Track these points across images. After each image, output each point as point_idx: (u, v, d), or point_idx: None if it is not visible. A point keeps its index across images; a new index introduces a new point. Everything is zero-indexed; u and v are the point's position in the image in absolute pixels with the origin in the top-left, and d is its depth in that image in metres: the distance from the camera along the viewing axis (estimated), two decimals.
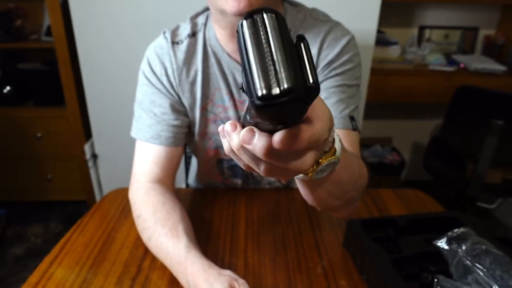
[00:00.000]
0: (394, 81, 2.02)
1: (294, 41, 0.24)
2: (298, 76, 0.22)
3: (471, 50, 2.35)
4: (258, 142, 0.29)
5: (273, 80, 0.22)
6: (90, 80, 1.62)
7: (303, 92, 0.23)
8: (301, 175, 0.45)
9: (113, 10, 1.49)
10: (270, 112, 0.23)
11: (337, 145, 0.44)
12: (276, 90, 0.22)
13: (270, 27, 0.23)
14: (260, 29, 0.23)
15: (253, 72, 0.22)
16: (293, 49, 0.23)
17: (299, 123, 0.29)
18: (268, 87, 0.22)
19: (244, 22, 0.23)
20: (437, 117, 2.41)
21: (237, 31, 0.24)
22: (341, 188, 0.54)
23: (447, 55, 2.25)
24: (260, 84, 0.22)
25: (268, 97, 0.22)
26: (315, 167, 0.43)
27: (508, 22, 2.24)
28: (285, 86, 0.22)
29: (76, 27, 1.52)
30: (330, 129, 0.33)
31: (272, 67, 0.22)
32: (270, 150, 0.29)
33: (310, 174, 0.44)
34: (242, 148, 0.32)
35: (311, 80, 0.23)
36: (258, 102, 0.22)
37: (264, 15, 0.23)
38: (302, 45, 0.24)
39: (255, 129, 0.29)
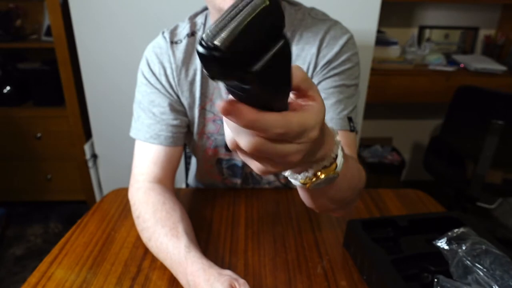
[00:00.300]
0: (394, 81, 2.02)
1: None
2: (233, 45, 0.24)
3: (471, 50, 2.35)
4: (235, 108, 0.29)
5: (214, 33, 0.24)
6: (90, 80, 1.62)
7: (229, 55, 0.25)
8: (299, 182, 0.45)
9: (113, 10, 1.48)
10: (202, 60, 0.25)
11: (339, 161, 0.44)
12: (209, 39, 0.24)
13: (252, 4, 0.25)
14: (242, 3, 0.25)
15: (216, 21, 0.25)
16: (254, 31, 0.25)
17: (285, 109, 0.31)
18: (210, 35, 0.25)
19: None
20: (437, 117, 2.41)
21: None
22: (341, 194, 0.54)
23: (447, 55, 2.24)
24: (208, 30, 0.25)
25: (202, 43, 0.25)
26: (313, 179, 0.43)
27: (508, 22, 2.24)
28: (216, 42, 0.24)
29: (76, 27, 1.52)
30: (312, 128, 0.33)
31: (221, 27, 0.25)
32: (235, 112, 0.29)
33: (308, 185, 0.44)
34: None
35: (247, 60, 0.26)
36: (198, 47, 0.25)
37: None
38: (280, 44, 0.27)
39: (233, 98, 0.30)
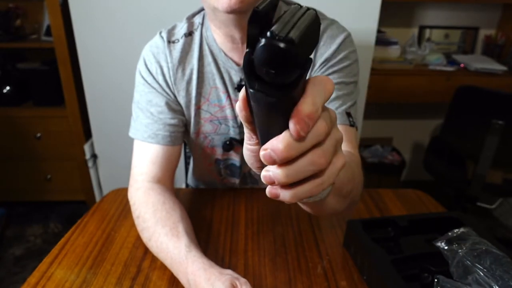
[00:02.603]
0: (394, 81, 2.02)
1: None
2: (304, 45, 0.26)
3: (472, 50, 2.35)
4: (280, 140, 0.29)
5: (286, 29, 0.26)
6: (89, 80, 1.62)
7: (299, 54, 0.26)
8: (318, 196, 0.44)
9: (113, 10, 1.48)
10: (268, 53, 0.26)
11: None
12: (283, 34, 0.25)
13: (308, 15, 0.28)
14: (303, 11, 0.28)
15: (276, 21, 0.27)
16: (311, 40, 0.28)
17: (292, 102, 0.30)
18: (279, 30, 0.26)
19: (294, 5, 0.29)
20: (437, 117, 2.41)
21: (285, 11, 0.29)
22: (343, 189, 0.54)
23: (447, 55, 2.24)
24: (275, 27, 0.26)
25: (275, 36, 0.25)
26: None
27: (508, 22, 2.23)
28: (291, 36, 0.25)
29: (75, 27, 1.52)
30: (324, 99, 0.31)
31: (291, 26, 0.26)
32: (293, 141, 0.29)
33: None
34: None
35: (309, 56, 0.28)
36: (264, 40, 0.26)
37: (311, 9, 0.29)
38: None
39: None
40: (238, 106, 0.30)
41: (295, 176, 0.31)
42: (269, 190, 0.33)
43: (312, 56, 0.79)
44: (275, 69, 0.26)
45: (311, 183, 0.32)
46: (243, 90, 0.30)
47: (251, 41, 0.27)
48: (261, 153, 0.30)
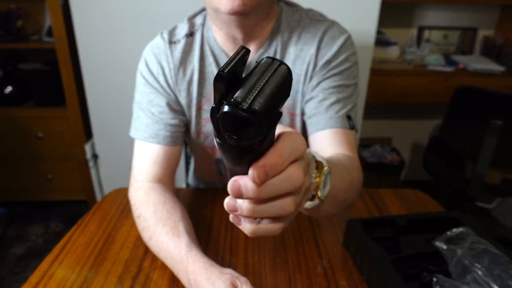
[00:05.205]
0: (394, 81, 2.02)
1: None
2: (268, 113, 0.26)
3: (470, 51, 2.35)
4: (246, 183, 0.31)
5: (251, 96, 0.26)
6: (90, 80, 1.63)
7: (263, 122, 0.26)
8: (312, 202, 0.45)
9: (113, 11, 1.49)
10: (230, 121, 0.26)
11: (319, 158, 0.45)
12: (245, 104, 0.25)
13: (278, 73, 0.27)
14: (272, 68, 0.27)
15: (241, 86, 0.26)
16: (279, 100, 0.28)
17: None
18: (243, 98, 0.25)
19: (266, 58, 0.28)
20: (436, 117, 2.41)
21: (257, 61, 0.28)
22: (339, 198, 0.55)
23: (446, 55, 2.25)
24: (240, 93, 0.26)
25: (237, 104, 0.25)
26: (319, 186, 0.44)
27: (507, 22, 2.24)
28: (254, 107, 0.25)
29: (77, 28, 1.52)
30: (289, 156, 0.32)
31: (257, 91, 0.26)
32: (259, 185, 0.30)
33: (319, 194, 0.44)
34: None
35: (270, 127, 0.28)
36: (227, 107, 0.25)
37: (282, 65, 0.28)
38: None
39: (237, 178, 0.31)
40: None
41: (260, 214, 0.33)
42: (232, 218, 0.35)
43: (298, 87, 0.79)
44: (237, 135, 0.26)
45: (274, 225, 0.35)
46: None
47: (216, 99, 0.27)
48: (231, 183, 0.31)
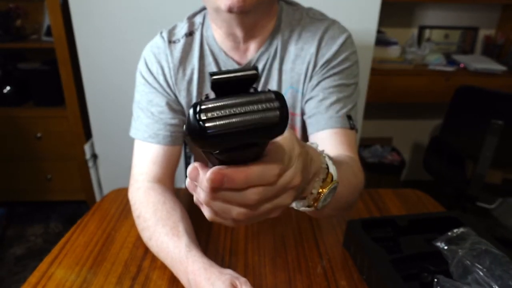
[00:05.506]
0: (394, 81, 2.02)
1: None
2: (221, 138, 0.25)
3: (471, 50, 2.35)
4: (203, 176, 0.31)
5: (215, 113, 0.25)
6: (90, 80, 1.62)
7: (207, 142, 0.25)
8: (307, 207, 0.45)
9: (113, 11, 1.48)
10: (188, 119, 0.26)
11: (332, 170, 0.45)
12: (205, 116, 0.25)
13: (264, 114, 0.26)
14: (264, 106, 0.26)
15: (222, 98, 0.25)
16: (246, 135, 0.26)
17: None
18: (209, 109, 0.25)
19: (271, 91, 0.27)
20: (437, 117, 2.41)
21: (258, 89, 0.28)
22: (343, 201, 0.55)
23: (447, 55, 2.24)
24: (211, 103, 0.25)
25: (199, 112, 0.25)
26: (320, 197, 0.44)
27: (508, 22, 2.24)
28: (209, 125, 0.24)
29: (76, 27, 1.52)
30: (280, 172, 0.33)
31: (226, 113, 0.25)
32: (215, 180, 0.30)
33: (316, 204, 0.44)
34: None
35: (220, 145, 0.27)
36: (192, 107, 0.25)
37: (276, 111, 0.26)
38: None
39: (197, 165, 0.32)
40: None
41: (216, 208, 0.34)
42: (195, 199, 0.36)
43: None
44: (191, 138, 0.26)
45: (228, 221, 0.36)
46: None
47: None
48: (191, 167, 0.32)
